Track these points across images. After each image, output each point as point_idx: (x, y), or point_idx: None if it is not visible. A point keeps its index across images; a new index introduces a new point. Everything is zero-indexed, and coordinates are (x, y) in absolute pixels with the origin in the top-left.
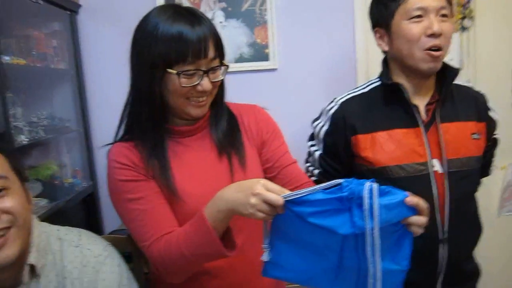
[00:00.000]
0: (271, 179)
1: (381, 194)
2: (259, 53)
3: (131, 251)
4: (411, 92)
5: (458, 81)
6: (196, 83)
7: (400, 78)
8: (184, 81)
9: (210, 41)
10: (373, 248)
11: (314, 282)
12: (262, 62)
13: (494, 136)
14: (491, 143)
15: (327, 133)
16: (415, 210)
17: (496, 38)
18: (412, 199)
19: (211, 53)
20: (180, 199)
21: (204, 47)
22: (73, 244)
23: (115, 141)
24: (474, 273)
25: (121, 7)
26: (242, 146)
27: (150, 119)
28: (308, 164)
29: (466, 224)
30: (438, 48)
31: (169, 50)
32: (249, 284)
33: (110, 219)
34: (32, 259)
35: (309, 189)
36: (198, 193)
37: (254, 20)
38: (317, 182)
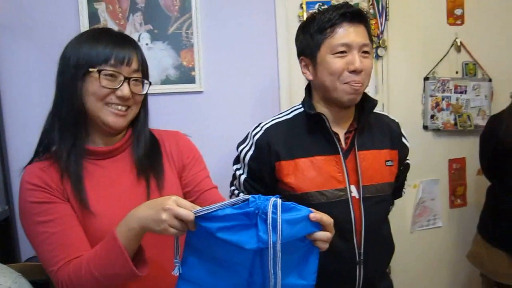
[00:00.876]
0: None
1: (286, 210)
2: (186, 75)
3: (47, 278)
4: (332, 120)
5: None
6: (117, 87)
7: (322, 107)
8: (104, 82)
9: (134, 55)
10: (274, 261)
11: None
12: (188, 84)
13: (407, 161)
14: (403, 168)
15: (251, 157)
16: (320, 226)
17: (406, 66)
18: (315, 215)
19: (134, 64)
20: (93, 216)
21: (128, 57)
22: None
23: (31, 161)
24: None
25: (43, 25)
26: (162, 169)
27: (70, 126)
28: (233, 188)
29: (380, 246)
30: (359, 83)
31: (93, 51)
32: None
33: (27, 245)
34: None
35: (219, 204)
36: (112, 213)
37: (180, 43)
38: None
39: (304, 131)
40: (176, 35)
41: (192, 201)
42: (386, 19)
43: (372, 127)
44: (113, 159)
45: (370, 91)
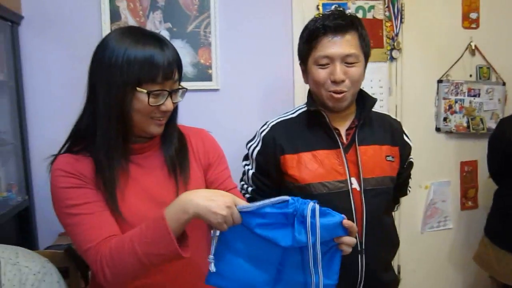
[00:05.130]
0: None
1: (322, 214)
2: (202, 73)
3: (68, 266)
4: (334, 118)
5: (385, 108)
6: (161, 103)
7: (321, 106)
8: (152, 101)
9: (176, 65)
10: (315, 261)
11: None
12: (205, 82)
13: (410, 160)
14: (407, 166)
15: (259, 152)
16: (347, 231)
17: (420, 68)
18: (348, 221)
19: (176, 75)
20: (124, 220)
21: (172, 70)
22: (10, 262)
23: (59, 153)
24: (391, 283)
25: (65, 21)
26: (188, 166)
27: (119, 136)
28: (242, 183)
29: (381, 237)
30: (341, 92)
31: (141, 71)
32: None
33: (46, 234)
34: None
35: (260, 203)
36: (141, 213)
37: (198, 42)
38: (250, 199)
39: (307, 128)
40: (194, 34)
41: None
42: (401, 22)
43: (374, 124)
44: (144, 155)
45: (383, 92)
